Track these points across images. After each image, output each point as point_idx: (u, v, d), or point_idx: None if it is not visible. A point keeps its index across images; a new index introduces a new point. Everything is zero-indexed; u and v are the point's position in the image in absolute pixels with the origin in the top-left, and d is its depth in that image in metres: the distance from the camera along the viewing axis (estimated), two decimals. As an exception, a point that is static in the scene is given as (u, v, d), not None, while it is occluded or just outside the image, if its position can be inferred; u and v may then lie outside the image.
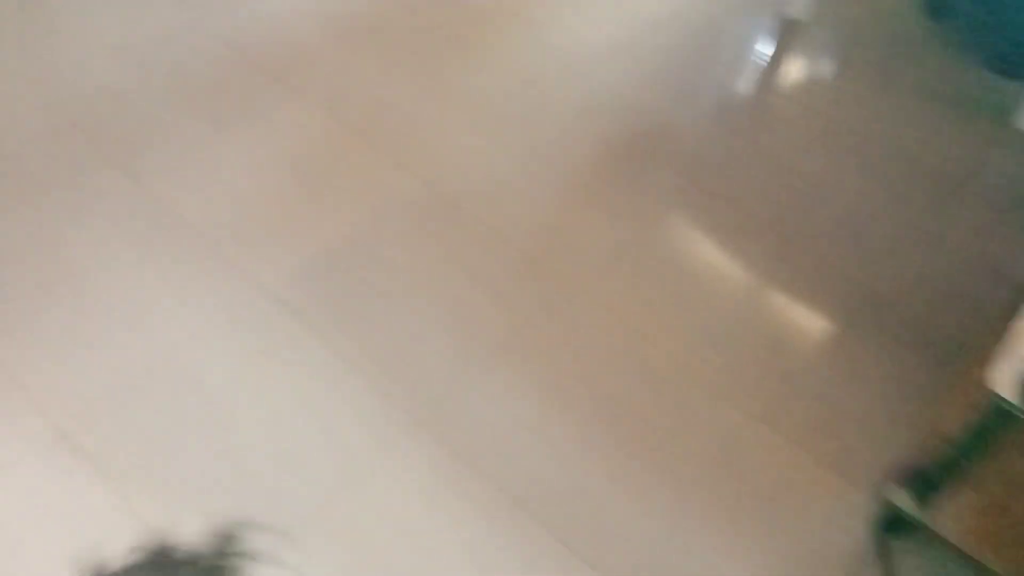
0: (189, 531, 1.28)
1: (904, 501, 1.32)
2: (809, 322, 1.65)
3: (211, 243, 1.69)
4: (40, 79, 1.97)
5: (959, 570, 1.34)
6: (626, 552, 1.35)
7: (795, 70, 2.17)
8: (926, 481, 1.30)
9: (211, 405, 1.47)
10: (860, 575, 1.34)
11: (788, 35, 2.25)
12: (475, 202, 1.79)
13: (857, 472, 1.44)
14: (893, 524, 1.37)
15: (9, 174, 1.77)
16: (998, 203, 1.85)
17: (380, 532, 1.34)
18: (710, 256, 1.74)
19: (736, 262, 1.74)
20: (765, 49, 2.20)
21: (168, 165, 1.81)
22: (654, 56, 2.14)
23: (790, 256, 1.74)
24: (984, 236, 1.79)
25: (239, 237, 1.70)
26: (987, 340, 1.33)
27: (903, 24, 2.27)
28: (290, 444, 1.43)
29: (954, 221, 1.82)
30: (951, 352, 1.59)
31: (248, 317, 1.58)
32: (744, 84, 2.11)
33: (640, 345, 1.59)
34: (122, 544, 1.18)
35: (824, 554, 1.36)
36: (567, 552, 1.34)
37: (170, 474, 1.38)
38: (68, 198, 1.74)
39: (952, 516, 1.30)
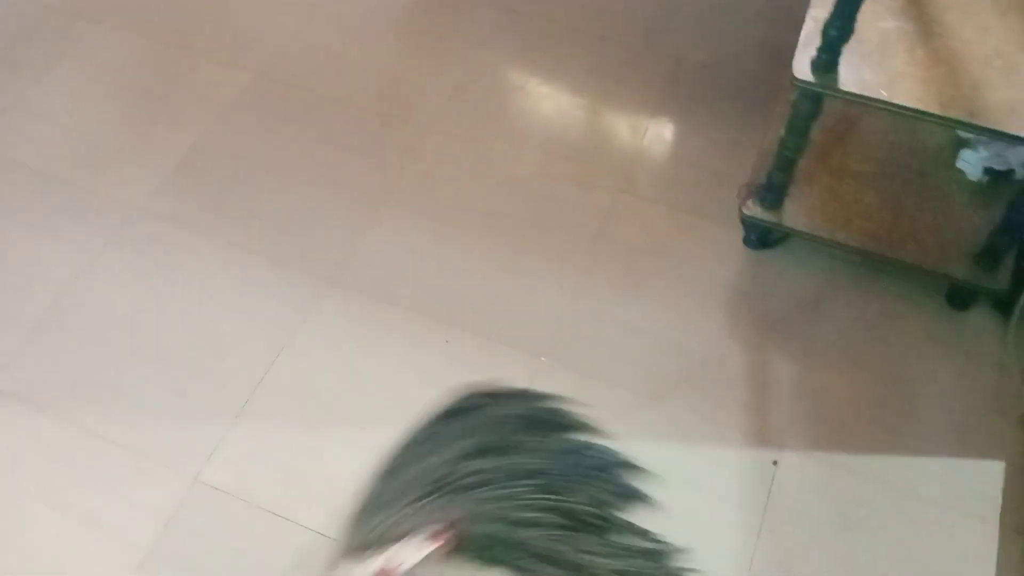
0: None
1: (758, 212, 1.53)
2: (642, 100, 1.81)
3: (65, 181, 1.67)
4: None
5: (824, 259, 1.57)
6: (542, 328, 1.50)
7: None
8: (771, 190, 1.51)
9: (131, 326, 1.50)
10: (742, 293, 1.55)
11: None
12: (312, 79, 1.83)
13: (716, 210, 1.63)
14: (759, 239, 1.58)
15: None
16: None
17: (323, 380, 1.44)
18: (540, 70, 1.87)
19: (563, 69, 1.87)
20: None
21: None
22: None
23: (609, 48, 1.89)
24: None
25: (94, 168, 1.69)
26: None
27: None
28: (216, 336, 1.49)
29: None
30: (766, 92, 1.79)
31: (129, 236, 1.60)
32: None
33: (498, 162, 1.71)
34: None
35: (711, 283, 1.56)
36: (492, 342, 1.48)
37: (115, 395, 1.42)
38: None
39: (799, 213, 1.52)
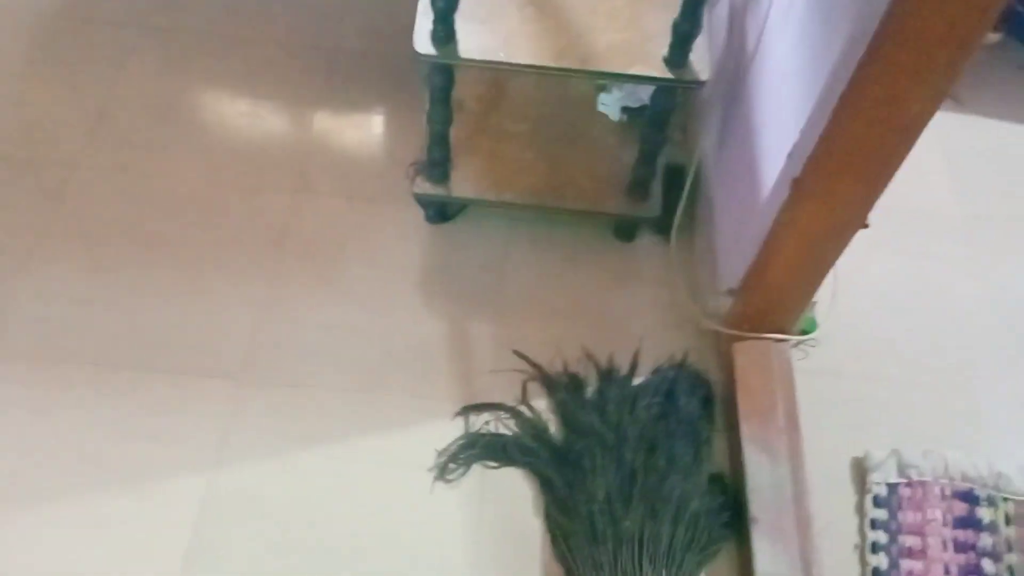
0: None
1: (428, 188, 1.55)
2: (302, 97, 1.78)
3: None
4: None
5: (502, 222, 1.63)
6: (237, 348, 1.44)
7: None
8: (435, 164, 1.54)
9: None
10: (432, 269, 1.57)
11: None
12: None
13: (395, 194, 1.64)
14: (438, 213, 1.61)
15: None
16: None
17: (-5, 461, 1.29)
18: (192, 83, 1.78)
19: (217, 79, 1.79)
20: None
21: None
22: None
23: (258, 51, 1.83)
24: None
25: None
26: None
27: None
28: None
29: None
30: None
31: None
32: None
33: (158, 186, 1.62)
34: None
35: (401, 266, 1.56)
36: (185, 376, 1.40)
37: None
38: None
39: (466, 181, 1.57)
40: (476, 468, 1.35)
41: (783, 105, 1.27)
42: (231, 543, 1.26)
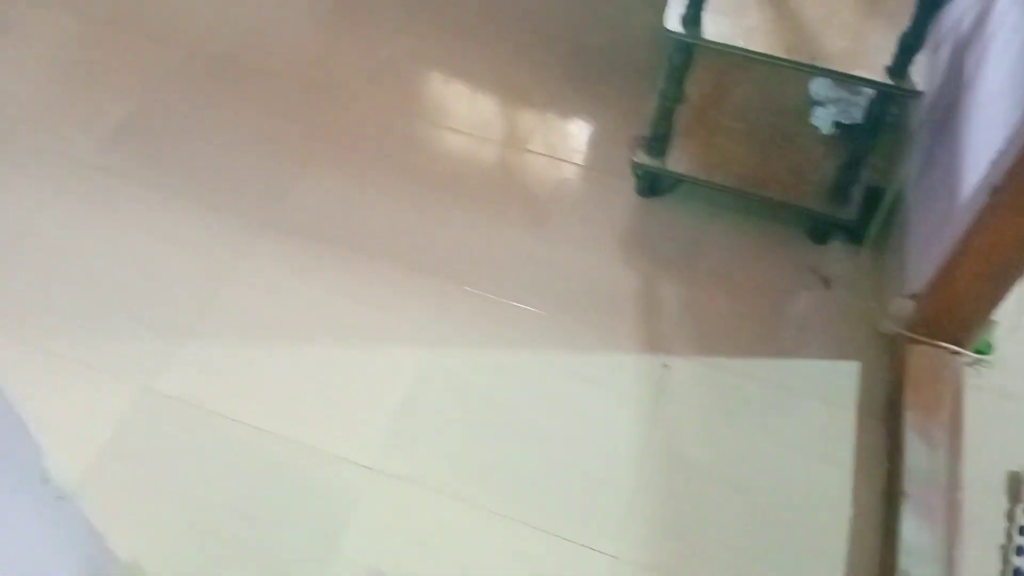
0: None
1: (645, 159, 1.75)
2: (539, 76, 2.03)
3: (11, 140, 1.79)
4: None
5: (704, 206, 1.80)
6: (456, 257, 1.68)
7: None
8: (657, 140, 1.73)
9: (79, 261, 1.62)
10: (634, 232, 1.76)
11: None
12: (239, 53, 1.99)
13: (613, 166, 1.85)
14: (649, 187, 1.80)
15: None
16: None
17: (261, 303, 1.58)
18: (454, 53, 2.07)
19: (474, 52, 2.08)
20: None
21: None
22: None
23: (511, 34, 2.11)
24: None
25: (38, 129, 1.81)
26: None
27: None
28: (160, 268, 1.62)
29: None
30: (652, 71, 2.04)
31: (75, 186, 1.72)
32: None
33: (415, 125, 1.90)
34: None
35: (607, 224, 1.76)
36: (412, 270, 1.65)
37: (65, 318, 1.53)
38: None
39: (681, 160, 1.75)
40: (651, 396, 1.51)
41: (992, 118, 1.38)
42: (433, 411, 1.48)
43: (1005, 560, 1.36)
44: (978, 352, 1.56)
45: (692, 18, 1.50)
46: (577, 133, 1.93)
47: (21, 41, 1.99)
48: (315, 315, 1.58)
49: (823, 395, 1.56)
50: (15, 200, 1.70)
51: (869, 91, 1.61)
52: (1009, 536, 1.38)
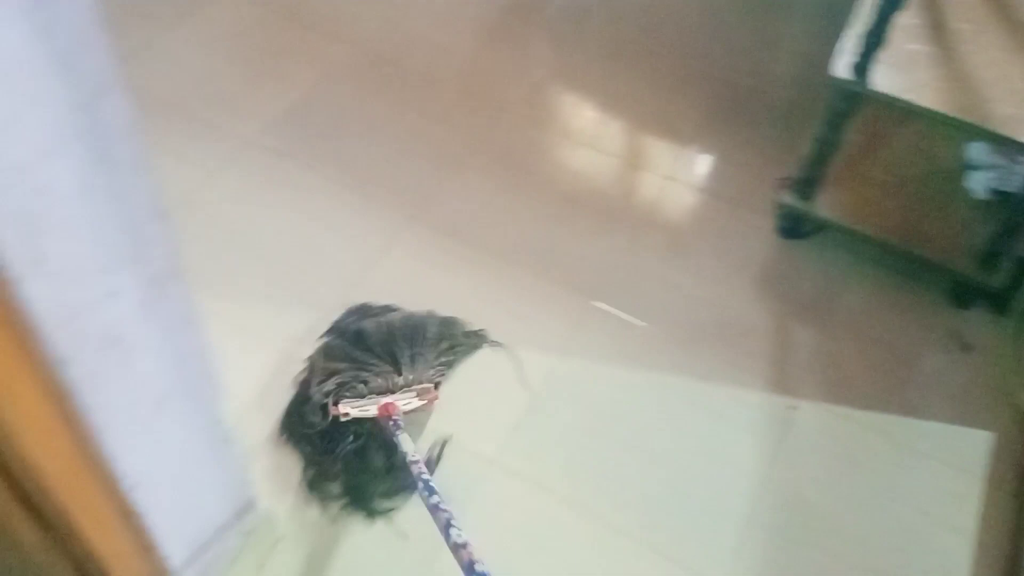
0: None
1: (792, 200, 1.75)
2: (687, 110, 2.06)
3: (187, 112, 1.91)
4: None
5: (845, 255, 1.78)
6: (592, 275, 1.71)
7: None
8: (806, 183, 1.74)
9: (239, 230, 1.74)
10: (771, 271, 1.76)
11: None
12: (403, 57, 2.09)
13: (755, 202, 1.86)
14: (791, 228, 1.80)
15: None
16: (819, 12, 2.34)
17: (403, 289, 1.65)
18: (608, 77, 2.12)
19: (625, 81, 2.13)
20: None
21: (134, 58, 2.00)
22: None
23: (663, 67, 2.15)
24: (810, 36, 2.26)
25: (212, 105, 1.94)
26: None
27: None
28: (313, 245, 1.71)
29: (788, 26, 2.29)
30: (801, 118, 2.04)
31: (241, 161, 1.83)
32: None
33: (562, 144, 1.95)
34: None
35: (745, 260, 1.77)
36: (543, 281, 1.68)
37: (220, 280, 1.63)
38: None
39: (829, 206, 1.74)
40: (776, 435, 1.51)
41: None
42: (556, 417, 1.51)
43: None
44: (1122, 440, 1.50)
45: (862, 67, 1.51)
46: (720, 168, 1.95)
47: (205, 24, 2.13)
48: (452, 311, 1.63)
49: (952, 461, 1.52)
50: (188, 170, 1.82)
51: (1034, 159, 1.58)
52: None
